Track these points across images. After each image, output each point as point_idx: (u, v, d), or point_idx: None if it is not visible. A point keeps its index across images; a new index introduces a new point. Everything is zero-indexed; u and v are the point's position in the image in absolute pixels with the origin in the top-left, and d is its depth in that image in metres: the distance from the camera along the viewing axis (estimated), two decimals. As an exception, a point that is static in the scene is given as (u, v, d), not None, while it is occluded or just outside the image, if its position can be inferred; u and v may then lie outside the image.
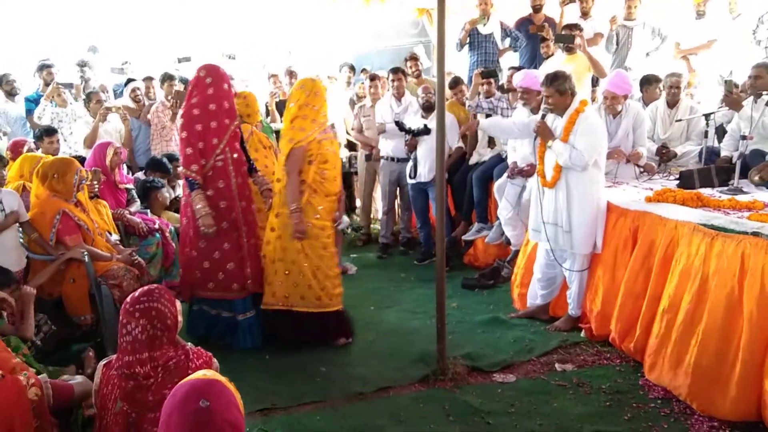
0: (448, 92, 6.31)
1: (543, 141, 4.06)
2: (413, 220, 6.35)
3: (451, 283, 4.97)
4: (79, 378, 2.49)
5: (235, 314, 3.98)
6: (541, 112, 4.12)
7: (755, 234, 2.96)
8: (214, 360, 2.13)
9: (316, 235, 3.92)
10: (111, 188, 4.76)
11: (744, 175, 4.13)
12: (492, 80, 5.76)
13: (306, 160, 3.87)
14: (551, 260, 4.18)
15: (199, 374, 1.67)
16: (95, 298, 3.81)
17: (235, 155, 3.89)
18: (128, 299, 2.04)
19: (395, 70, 6.30)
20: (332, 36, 9.62)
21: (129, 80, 7.04)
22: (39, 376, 2.23)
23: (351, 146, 7.50)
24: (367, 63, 8.77)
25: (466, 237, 5.77)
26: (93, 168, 4.57)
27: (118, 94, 7.46)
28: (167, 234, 4.83)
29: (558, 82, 3.92)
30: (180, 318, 2.11)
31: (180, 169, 3.92)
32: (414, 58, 7.20)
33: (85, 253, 3.77)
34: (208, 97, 3.77)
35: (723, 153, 4.69)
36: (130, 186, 5.05)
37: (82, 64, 7.25)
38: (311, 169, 3.87)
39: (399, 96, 6.21)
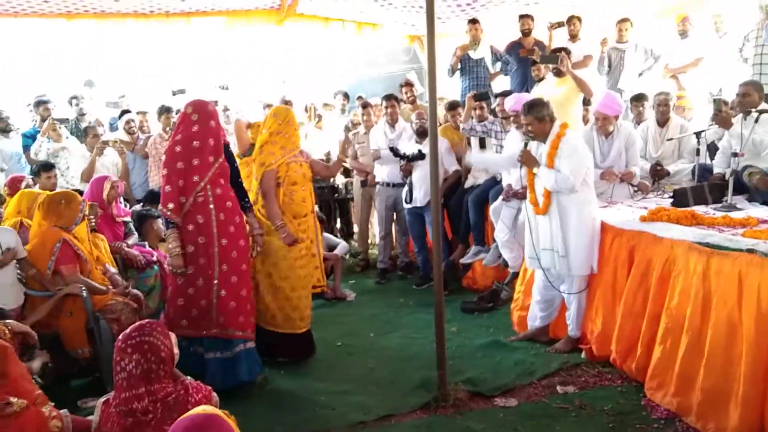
0: (444, 115, 6.39)
1: (529, 169, 4.11)
2: (411, 244, 6.36)
3: (450, 306, 4.97)
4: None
5: (204, 351, 3.77)
6: (522, 141, 4.18)
7: (750, 251, 2.97)
8: (214, 394, 2.12)
9: (283, 256, 4.11)
10: (108, 222, 4.77)
11: (737, 191, 4.16)
12: (485, 103, 5.82)
13: (275, 182, 4.11)
14: (549, 283, 4.19)
15: (199, 410, 1.67)
16: (94, 333, 3.79)
17: (219, 191, 3.75)
18: (120, 337, 2.05)
19: (388, 97, 6.39)
20: (326, 64, 9.75)
21: (124, 112, 7.11)
22: (61, 411, 2.23)
23: (346, 173, 7.55)
24: (361, 90, 8.89)
25: (463, 260, 5.77)
26: (90, 202, 4.58)
27: (113, 128, 7.51)
28: (165, 266, 4.83)
29: (536, 109, 3.99)
30: (176, 350, 2.11)
31: (159, 206, 3.81)
32: (409, 84, 7.31)
33: (83, 288, 3.77)
34: (193, 135, 3.69)
35: (715, 170, 4.72)
36: (128, 219, 5.06)
37: (79, 97, 7.33)
38: (280, 191, 4.13)
39: (393, 122, 6.28)
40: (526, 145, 4.12)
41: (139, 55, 8.84)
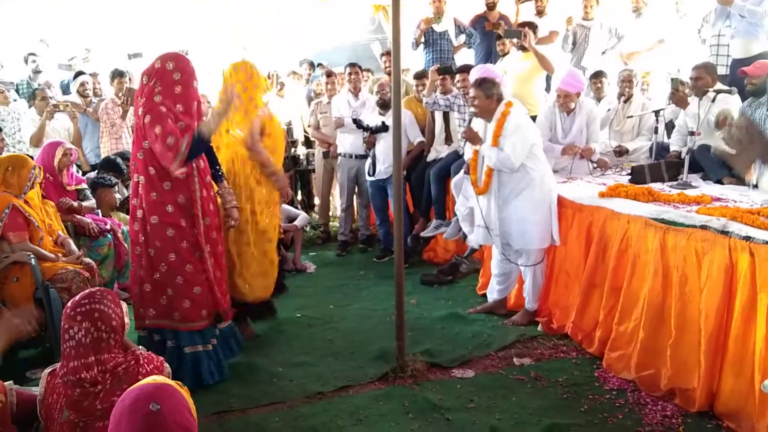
0: (411, 83, 6.33)
1: (473, 146, 4.12)
2: (372, 216, 6.34)
3: (410, 279, 4.98)
4: None
5: (193, 345, 3.47)
6: (467, 117, 4.17)
7: (703, 227, 3.04)
8: (166, 365, 2.06)
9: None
10: (58, 190, 4.57)
11: (692, 170, 4.26)
12: (448, 76, 5.77)
13: None
14: (504, 257, 4.22)
15: (149, 380, 1.62)
16: (43, 302, 3.67)
17: (202, 164, 3.43)
18: (69, 304, 1.96)
19: (352, 65, 6.28)
20: (289, 32, 9.52)
21: (78, 73, 6.82)
22: (6, 384, 2.14)
23: (308, 143, 7.44)
24: (325, 59, 8.72)
25: (424, 234, 5.78)
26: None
27: (65, 91, 7.22)
28: (119, 235, 4.70)
29: (486, 85, 3.97)
30: (127, 320, 2.04)
31: (172, 168, 3.21)
32: (390, 53, 7.18)
33: (32, 255, 3.63)
34: (176, 97, 3.27)
35: (672, 148, 4.82)
36: (82, 186, 4.85)
37: (36, 54, 7.02)
38: None
39: (356, 91, 6.20)
40: (470, 122, 4.12)
41: (92, 16, 8.46)
